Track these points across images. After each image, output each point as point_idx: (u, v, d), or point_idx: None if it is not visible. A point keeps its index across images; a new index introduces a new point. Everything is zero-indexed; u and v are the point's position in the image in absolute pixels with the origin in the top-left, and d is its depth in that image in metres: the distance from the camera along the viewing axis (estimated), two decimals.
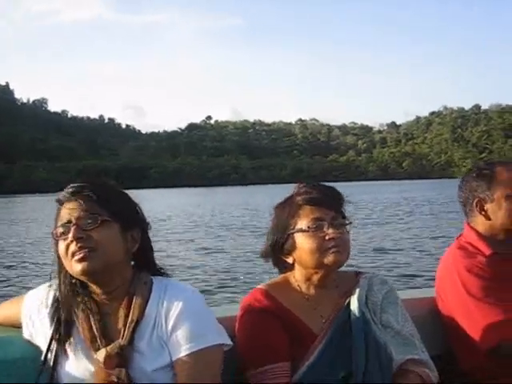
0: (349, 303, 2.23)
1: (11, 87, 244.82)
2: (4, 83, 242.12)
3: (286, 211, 2.24)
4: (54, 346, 1.89)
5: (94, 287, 1.90)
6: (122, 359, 1.80)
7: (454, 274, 2.57)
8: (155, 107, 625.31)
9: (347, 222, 2.21)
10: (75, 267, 1.82)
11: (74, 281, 1.90)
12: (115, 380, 1.77)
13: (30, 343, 1.99)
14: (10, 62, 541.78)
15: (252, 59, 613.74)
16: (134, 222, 1.95)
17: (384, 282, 2.33)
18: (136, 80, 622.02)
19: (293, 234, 2.20)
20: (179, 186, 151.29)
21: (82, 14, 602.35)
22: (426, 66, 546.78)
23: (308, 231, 2.15)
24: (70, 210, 1.86)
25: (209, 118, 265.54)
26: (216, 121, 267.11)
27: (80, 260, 1.81)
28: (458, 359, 2.59)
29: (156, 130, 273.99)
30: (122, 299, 1.89)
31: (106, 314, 1.89)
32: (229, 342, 1.92)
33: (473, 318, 2.49)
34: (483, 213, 2.62)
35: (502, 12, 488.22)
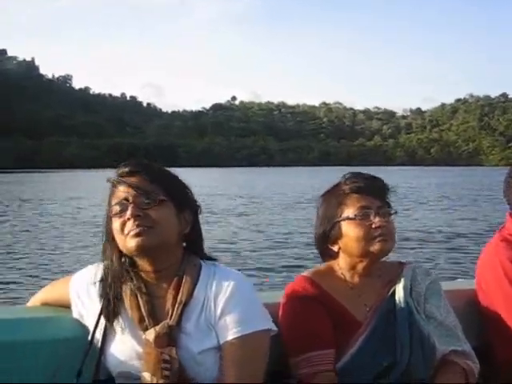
0: (393, 292, 2.25)
1: (36, 63, 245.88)
2: (30, 59, 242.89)
3: (332, 199, 2.26)
4: (101, 324, 1.93)
5: (144, 265, 1.92)
6: (170, 339, 1.82)
7: (497, 266, 2.55)
8: (174, 87, 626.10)
9: (392, 211, 2.24)
10: (130, 243, 1.84)
11: (123, 259, 1.94)
12: (167, 358, 1.80)
13: (79, 323, 2.02)
14: (34, 40, 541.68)
15: (271, 41, 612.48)
16: (187, 203, 1.98)
17: (428, 272, 2.35)
18: (155, 59, 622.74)
19: (339, 222, 2.21)
20: (208, 165, 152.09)
21: None
22: (450, 52, 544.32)
23: (355, 219, 2.17)
24: (126, 189, 1.89)
25: (234, 98, 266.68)
26: (241, 101, 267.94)
27: (136, 235, 1.83)
28: (496, 351, 2.56)
29: (176, 109, 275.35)
30: (170, 280, 1.92)
31: (155, 294, 1.92)
32: (275, 328, 1.94)
33: None
34: None
35: None
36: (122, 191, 1.89)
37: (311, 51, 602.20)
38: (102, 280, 1.97)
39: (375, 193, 2.22)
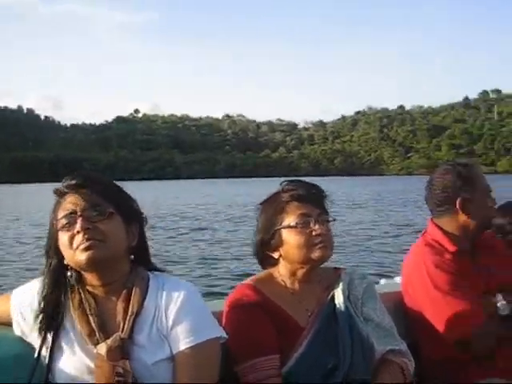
0: (332, 297, 2.30)
1: None
2: None
3: (272, 208, 2.29)
4: (48, 341, 1.87)
5: (92, 279, 1.89)
6: (123, 352, 1.79)
7: (422, 270, 2.69)
8: (72, 100, 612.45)
9: (331, 218, 2.28)
10: (80, 256, 1.81)
11: (69, 273, 1.90)
12: (121, 371, 1.77)
13: (21, 340, 1.96)
14: None
15: (169, 54, 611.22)
16: (134, 216, 1.98)
17: (363, 276, 2.42)
18: (52, 71, 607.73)
19: (280, 229, 2.25)
20: (114, 179, 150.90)
21: None
22: (348, 65, 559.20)
23: (296, 227, 2.21)
24: (74, 201, 1.85)
25: (137, 111, 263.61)
26: (144, 114, 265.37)
27: (86, 249, 1.80)
28: (423, 349, 2.71)
29: (75, 122, 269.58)
30: (119, 293, 1.89)
31: (104, 307, 1.88)
32: (225, 335, 1.94)
33: (440, 311, 2.62)
34: (465, 212, 2.75)
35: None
36: (70, 204, 1.86)
37: (211, 64, 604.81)
38: (45, 295, 1.91)
39: (315, 200, 2.26)
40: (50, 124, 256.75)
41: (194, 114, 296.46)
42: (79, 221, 1.82)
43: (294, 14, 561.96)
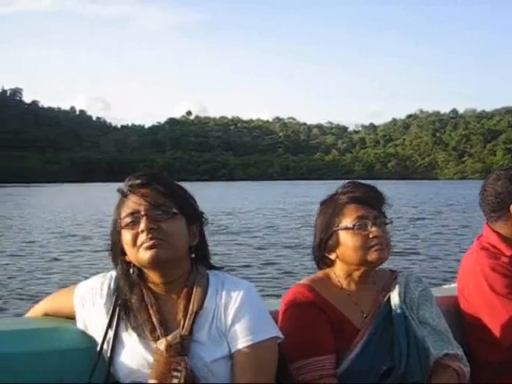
0: (388, 299, 2.30)
1: None
2: None
3: (330, 209, 2.30)
4: (110, 335, 1.92)
5: (153, 277, 1.93)
6: (182, 349, 1.83)
7: (478, 273, 2.66)
8: (120, 101, 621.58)
9: (388, 221, 2.29)
10: (143, 255, 1.85)
11: (131, 271, 1.94)
12: (178, 368, 1.80)
13: (84, 333, 2.01)
14: None
15: (216, 55, 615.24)
16: (195, 216, 2.00)
17: (419, 279, 2.40)
18: (101, 72, 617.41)
19: (337, 231, 2.25)
20: None
21: (44, 4, 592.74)
22: (399, 69, 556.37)
23: (353, 229, 2.21)
24: (137, 201, 1.88)
25: (189, 113, 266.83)
26: (196, 116, 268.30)
27: (150, 247, 1.83)
28: (478, 355, 2.64)
29: (125, 124, 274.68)
30: (180, 291, 1.93)
31: (164, 304, 1.92)
32: (281, 335, 1.95)
33: (497, 315, 2.58)
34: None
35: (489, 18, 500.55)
36: (134, 203, 1.89)
37: (257, 65, 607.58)
38: (110, 290, 1.98)
39: (372, 203, 2.27)
40: (101, 125, 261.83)
41: (244, 116, 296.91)
42: (143, 220, 1.85)
43: (343, 16, 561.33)
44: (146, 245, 1.84)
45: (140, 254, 1.85)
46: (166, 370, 1.81)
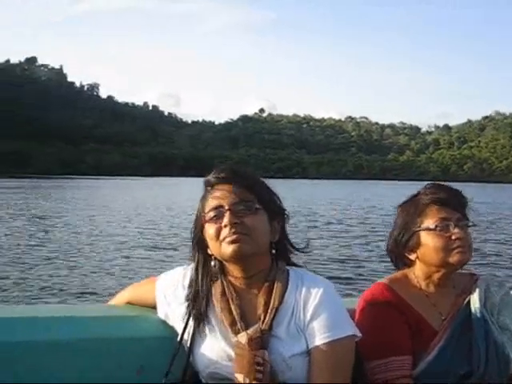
0: (467, 303, 2.26)
1: (64, 71, 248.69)
2: (58, 66, 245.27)
3: (412, 209, 2.28)
4: (190, 326, 1.95)
5: (235, 271, 1.94)
6: (262, 343, 1.84)
7: None
8: (189, 97, 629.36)
9: (471, 223, 2.26)
10: (226, 249, 1.85)
11: (213, 263, 1.97)
12: (260, 361, 1.82)
13: (164, 322, 2.05)
14: (59, 46, 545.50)
15: (284, 55, 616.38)
16: (277, 211, 1.99)
17: (501, 284, 2.35)
18: (170, 68, 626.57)
19: (418, 231, 2.24)
20: None
21: (118, 1, 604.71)
22: (469, 70, 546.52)
23: (435, 230, 2.20)
24: (221, 195, 1.89)
25: (261, 110, 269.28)
26: (269, 114, 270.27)
27: (233, 241, 1.84)
28: None
29: (196, 119, 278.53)
30: (260, 286, 1.93)
31: (245, 298, 1.94)
32: (359, 334, 1.93)
33: None
34: None
35: None
36: (218, 197, 1.90)
37: (326, 64, 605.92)
38: (191, 282, 2.00)
39: (455, 205, 2.25)
40: (173, 120, 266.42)
41: (313, 114, 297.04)
42: (227, 215, 1.85)
43: (414, 12, 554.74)
44: (229, 239, 1.85)
45: (223, 247, 1.87)
46: (250, 363, 1.82)
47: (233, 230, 1.84)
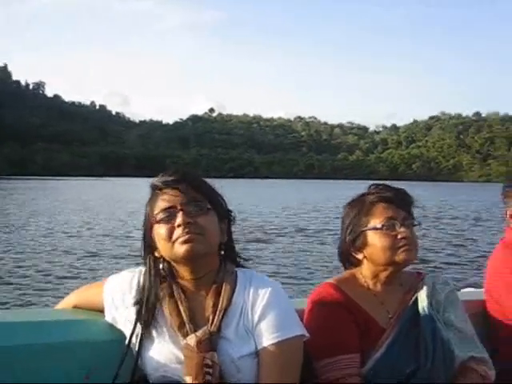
0: (415, 300, 2.29)
1: (9, 69, 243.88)
2: (2, 64, 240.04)
3: (358, 209, 2.29)
4: (138, 329, 1.93)
5: (184, 273, 1.94)
6: (211, 345, 1.83)
7: (507, 273, 2.64)
8: (136, 96, 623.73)
9: (416, 222, 2.28)
10: (180, 249, 1.85)
11: (161, 266, 1.96)
12: (209, 363, 1.81)
13: (112, 326, 2.02)
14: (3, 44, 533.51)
15: (233, 55, 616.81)
16: (224, 213, 2.01)
17: (446, 282, 2.39)
18: (119, 67, 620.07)
19: (365, 231, 2.25)
20: None
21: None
22: (416, 71, 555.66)
23: (381, 229, 2.21)
24: (172, 196, 1.89)
25: (211, 110, 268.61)
26: (219, 114, 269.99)
27: (186, 241, 1.84)
28: (505, 357, 2.56)
29: (143, 119, 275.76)
30: (209, 287, 1.93)
31: (194, 300, 1.93)
32: (307, 334, 1.94)
33: None
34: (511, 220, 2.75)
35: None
36: (169, 198, 1.90)
37: (273, 65, 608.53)
38: (140, 285, 1.99)
39: (401, 204, 2.27)
40: (121, 119, 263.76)
41: (263, 114, 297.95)
42: (180, 215, 1.86)
43: (355, 12, 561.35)
44: (182, 239, 1.84)
45: (176, 248, 1.86)
46: (199, 365, 1.82)
47: (186, 230, 1.84)
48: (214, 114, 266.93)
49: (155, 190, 1.96)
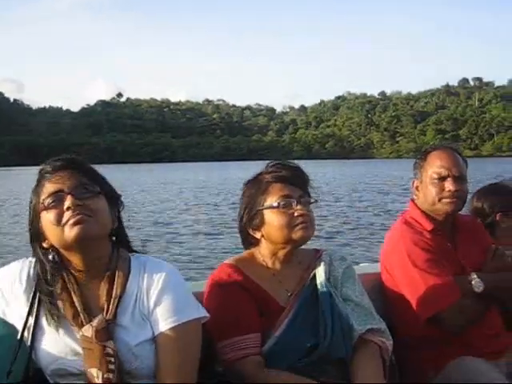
0: (312, 278, 2.33)
1: None
2: None
3: (255, 188, 2.32)
4: (30, 323, 1.85)
5: (74, 260, 1.88)
6: (108, 333, 1.80)
7: (402, 249, 2.73)
8: (31, 82, 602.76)
9: (312, 200, 2.32)
10: (70, 232, 1.79)
11: (51, 256, 1.89)
12: (111, 352, 1.77)
13: (3, 321, 1.91)
14: None
15: (133, 37, 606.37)
16: (115, 199, 2.00)
17: (343, 258, 2.45)
18: (8, 52, 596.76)
19: (262, 210, 2.28)
20: (113, 162, 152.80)
21: None
22: (318, 51, 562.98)
23: (278, 208, 2.24)
24: (60, 181, 1.84)
25: (119, 95, 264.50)
26: (128, 98, 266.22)
27: (76, 222, 1.78)
28: (400, 328, 2.70)
29: (42, 106, 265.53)
30: (102, 275, 1.89)
31: (87, 289, 1.88)
32: (206, 314, 1.95)
33: (417, 288, 2.65)
34: (417, 192, 2.88)
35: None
36: (56, 183, 1.85)
37: (175, 48, 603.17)
38: (29, 277, 1.92)
39: (297, 182, 2.30)
40: (21, 107, 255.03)
41: (158, 96, 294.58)
42: (68, 197, 1.81)
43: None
44: (72, 221, 1.80)
45: (66, 231, 1.80)
46: (101, 355, 1.78)
47: (76, 212, 1.80)
48: (123, 99, 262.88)
49: (44, 174, 1.91)
